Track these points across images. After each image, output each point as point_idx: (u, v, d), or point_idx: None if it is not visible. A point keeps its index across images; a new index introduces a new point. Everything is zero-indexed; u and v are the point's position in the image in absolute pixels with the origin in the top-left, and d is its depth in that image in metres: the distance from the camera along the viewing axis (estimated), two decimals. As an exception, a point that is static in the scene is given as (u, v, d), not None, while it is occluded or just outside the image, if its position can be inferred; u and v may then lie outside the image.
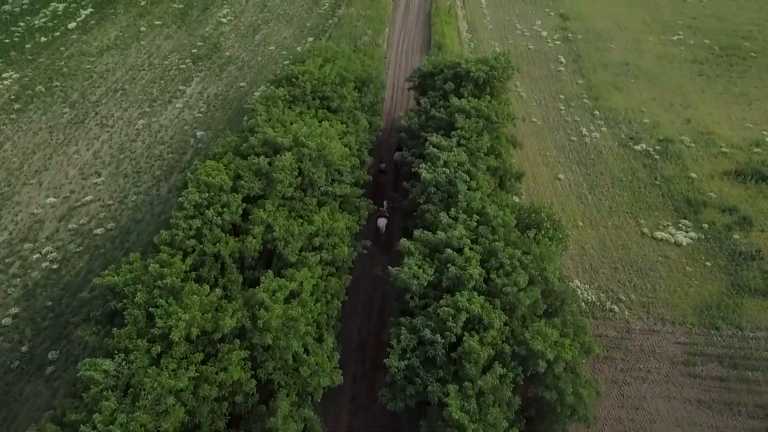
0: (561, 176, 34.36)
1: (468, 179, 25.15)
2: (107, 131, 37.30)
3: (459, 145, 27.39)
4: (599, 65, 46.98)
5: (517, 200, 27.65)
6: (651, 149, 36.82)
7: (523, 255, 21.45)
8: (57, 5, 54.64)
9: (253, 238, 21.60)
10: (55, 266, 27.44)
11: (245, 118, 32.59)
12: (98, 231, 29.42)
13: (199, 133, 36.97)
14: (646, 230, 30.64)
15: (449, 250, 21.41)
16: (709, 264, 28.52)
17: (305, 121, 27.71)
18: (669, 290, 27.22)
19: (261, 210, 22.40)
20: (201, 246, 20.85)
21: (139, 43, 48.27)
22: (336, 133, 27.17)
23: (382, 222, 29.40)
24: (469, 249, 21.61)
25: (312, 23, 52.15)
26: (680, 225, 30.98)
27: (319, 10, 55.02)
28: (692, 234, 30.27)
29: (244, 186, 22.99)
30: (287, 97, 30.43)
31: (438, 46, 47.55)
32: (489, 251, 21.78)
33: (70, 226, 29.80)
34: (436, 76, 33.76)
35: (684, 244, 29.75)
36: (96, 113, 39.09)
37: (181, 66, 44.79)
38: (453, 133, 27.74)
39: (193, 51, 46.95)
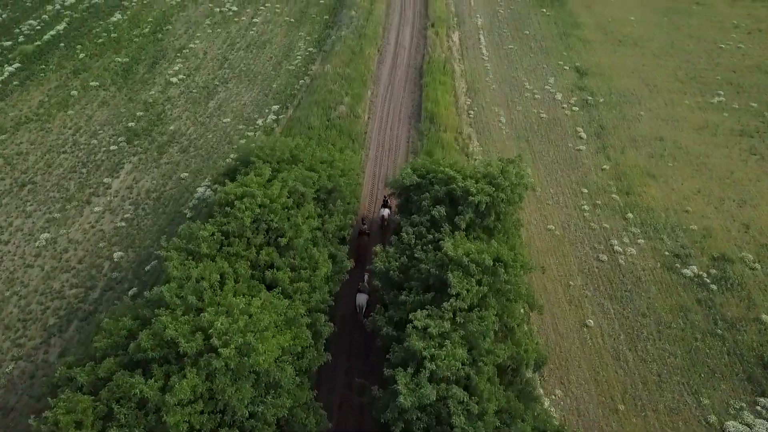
0: (590, 321, 26.58)
1: (467, 396, 17.40)
2: (-2, 250, 29.54)
3: (454, 325, 19.68)
4: (628, 142, 39.41)
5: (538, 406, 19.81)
6: (704, 274, 29.13)
7: None
8: (-22, 60, 47.16)
9: None
10: None
11: (161, 265, 24.66)
12: (-54, 432, 21.51)
13: (117, 255, 29.23)
14: (712, 418, 22.81)
15: None
16: (809, 485, 20.66)
17: (234, 296, 19.89)
18: None
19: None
20: None
21: (67, 112, 40.69)
22: (274, 315, 19.31)
23: (361, 299, 24.95)
24: None
25: (279, 84, 44.63)
26: (758, 407, 23.19)
27: (290, 65, 47.53)
28: (778, 426, 22.43)
29: (116, 438, 15.17)
30: (217, 236, 22.73)
31: (430, 117, 40.09)
32: None
33: None
34: (423, 191, 26.15)
35: (769, 445, 21.91)
36: (-10, 221, 31.37)
37: (112, 147, 37.15)
38: (445, 305, 20.00)
39: (129, 124, 39.34)
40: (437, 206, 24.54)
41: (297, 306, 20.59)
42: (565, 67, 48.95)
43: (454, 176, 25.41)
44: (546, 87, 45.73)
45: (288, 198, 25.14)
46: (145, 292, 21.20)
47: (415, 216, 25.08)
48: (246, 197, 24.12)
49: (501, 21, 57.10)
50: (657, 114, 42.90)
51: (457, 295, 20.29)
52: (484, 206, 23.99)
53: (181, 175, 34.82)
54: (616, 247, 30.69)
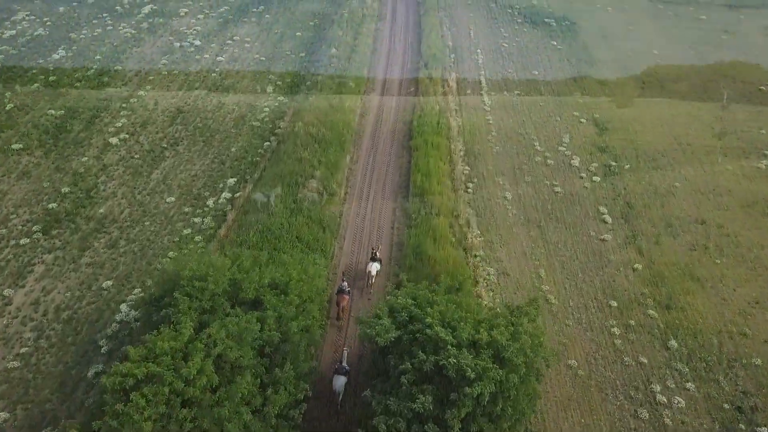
0: None
1: None
2: None
3: None
4: (662, 227, 32.65)
5: None
6: (779, 440, 22.36)
7: None
8: None
9: None
10: None
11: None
12: None
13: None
14: None
15: None
16: None
17: None
18: None
19: None
20: None
21: (-24, 189, 33.85)
22: None
23: (339, 383, 21.69)
24: None
25: (239, 147, 37.77)
26: None
27: (254, 120, 40.69)
28: None
29: None
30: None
31: (420, 193, 33.44)
32: None
33: None
34: (404, 350, 19.39)
35: None
36: None
37: (23, 240, 30.34)
38: None
39: (50, 206, 32.55)
40: (422, 394, 17.73)
41: None
42: (582, 120, 42.16)
43: (444, 339, 18.60)
44: (560, 148, 38.92)
45: (213, 372, 18.37)
46: None
47: (392, 400, 18.25)
48: (151, 382, 17.31)
49: (506, 58, 50.27)
50: (694, 184, 36.14)
51: None
52: (487, 398, 17.19)
53: (103, 284, 27.96)
54: (659, 396, 23.86)
